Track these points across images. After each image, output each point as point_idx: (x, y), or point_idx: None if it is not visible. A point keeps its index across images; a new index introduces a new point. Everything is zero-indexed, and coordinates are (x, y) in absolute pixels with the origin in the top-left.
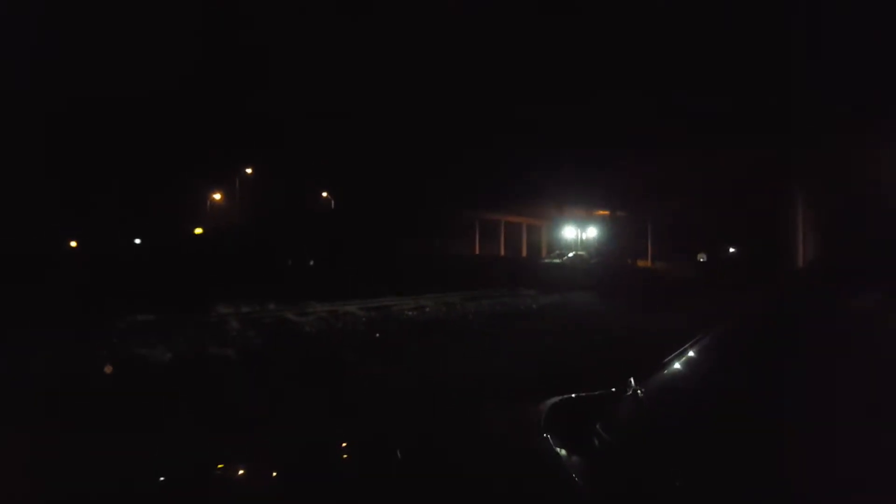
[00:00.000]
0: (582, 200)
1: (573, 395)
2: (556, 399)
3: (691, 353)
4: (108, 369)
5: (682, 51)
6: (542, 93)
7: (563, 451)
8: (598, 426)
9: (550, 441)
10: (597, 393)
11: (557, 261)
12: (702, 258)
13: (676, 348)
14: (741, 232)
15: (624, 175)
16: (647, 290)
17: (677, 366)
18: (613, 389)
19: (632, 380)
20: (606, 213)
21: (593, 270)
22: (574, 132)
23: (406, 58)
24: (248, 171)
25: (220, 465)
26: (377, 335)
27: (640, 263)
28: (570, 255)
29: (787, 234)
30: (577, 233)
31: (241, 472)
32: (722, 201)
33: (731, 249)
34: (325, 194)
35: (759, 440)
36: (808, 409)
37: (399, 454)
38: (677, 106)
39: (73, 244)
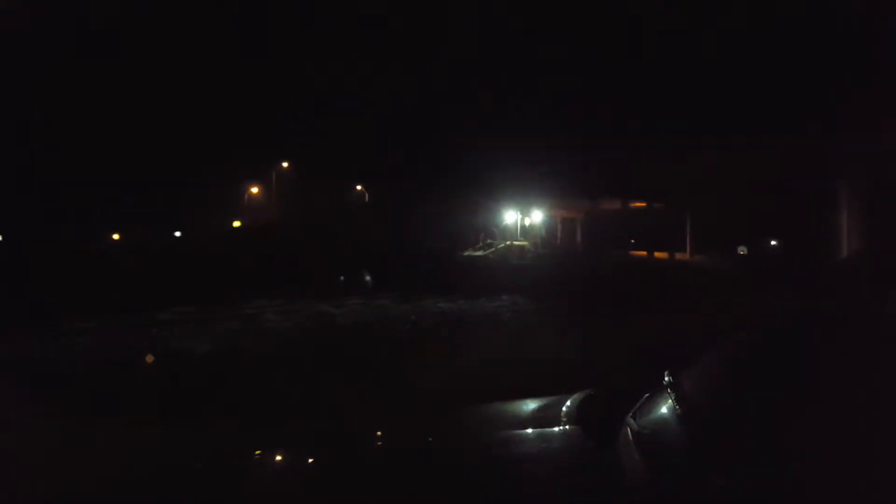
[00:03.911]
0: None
1: (603, 389)
2: (584, 392)
3: (729, 348)
4: (149, 359)
5: (728, 43)
6: (578, 78)
7: (594, 443)
8: (629, 418)
9: (581, 432)
10: (629, 386)
11: (480, 253)
12: (742, 251)
13: None
14: (784, 224)
15: (663, 165)
16: (609, 293)
17: (715, 360)
18: (647, 383)
19: (667, 373)
20: (643, 204)
21: (531, 266)
22: (610, 120)
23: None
24: (285, 164)
25: (257, 452)
26: None
27: (679, 256)
28: (503, 245)
29: (831, 227)
30: (518, 218)
31: (278, 458)
32: (765, 193)
33: (773, 242)
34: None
35: (796, 439)
36: (847, 409)
37: (431, 441)
38: (720, 97)
39: (116, 237)
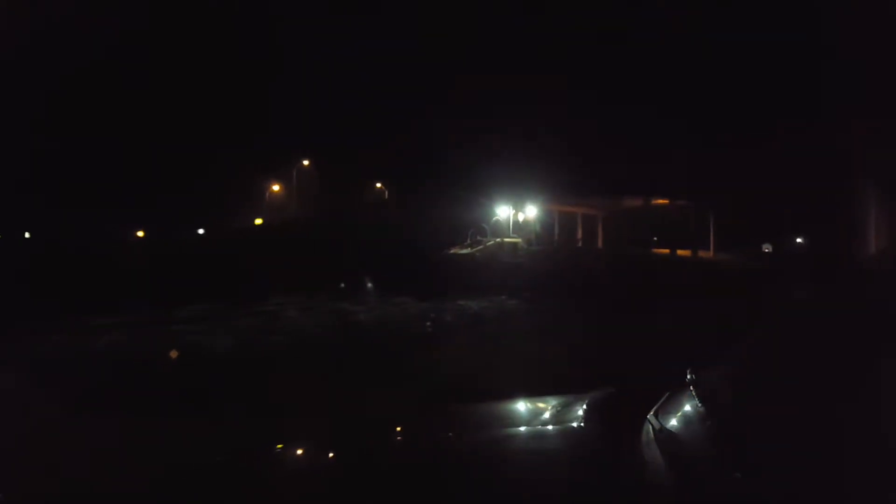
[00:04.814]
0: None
1: (623, 387)
2: (605, 390)
3: (750, 346)
4: (173, 354)
5: (754, 38)
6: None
7: (615, 441)
8: (651, 416)
9: (602, 430)
10: (649, 385)
11: (466, 251)
12: (767, 248)
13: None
14: (810, 222)
15: (686, 162)
16: (609, 290)
17: (736, 358)
18: (667, 381)
19: (688, 371)
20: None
21: (523, 263)
22: (636, 115)
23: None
24: (305, 162)
25: (279, 446)
26: None
27: (702, 254)
28: (493, 242)
29: (857, 225)
30: (511, 214)
31: (299, 451)
32: (790, 190)
33: (799, 240)
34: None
35: (813, 438)
36: (867, 405)
37: (451, 435)
38: (746, 93)
39: (140, 234)
